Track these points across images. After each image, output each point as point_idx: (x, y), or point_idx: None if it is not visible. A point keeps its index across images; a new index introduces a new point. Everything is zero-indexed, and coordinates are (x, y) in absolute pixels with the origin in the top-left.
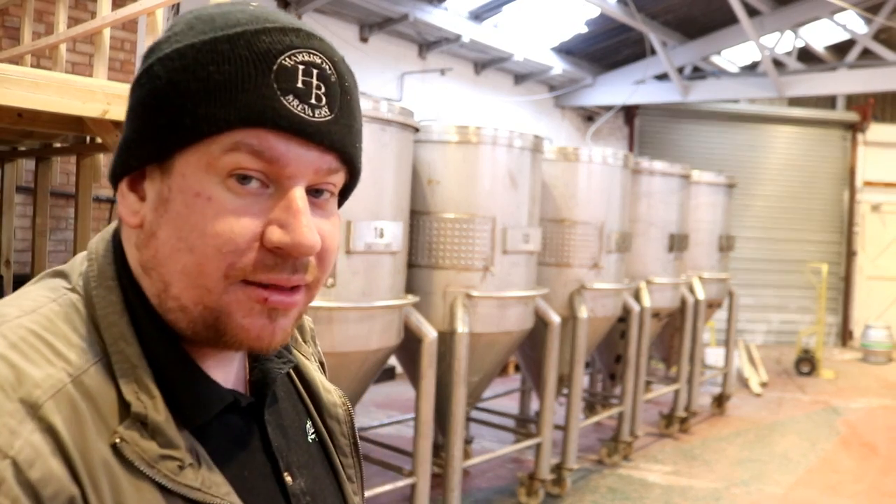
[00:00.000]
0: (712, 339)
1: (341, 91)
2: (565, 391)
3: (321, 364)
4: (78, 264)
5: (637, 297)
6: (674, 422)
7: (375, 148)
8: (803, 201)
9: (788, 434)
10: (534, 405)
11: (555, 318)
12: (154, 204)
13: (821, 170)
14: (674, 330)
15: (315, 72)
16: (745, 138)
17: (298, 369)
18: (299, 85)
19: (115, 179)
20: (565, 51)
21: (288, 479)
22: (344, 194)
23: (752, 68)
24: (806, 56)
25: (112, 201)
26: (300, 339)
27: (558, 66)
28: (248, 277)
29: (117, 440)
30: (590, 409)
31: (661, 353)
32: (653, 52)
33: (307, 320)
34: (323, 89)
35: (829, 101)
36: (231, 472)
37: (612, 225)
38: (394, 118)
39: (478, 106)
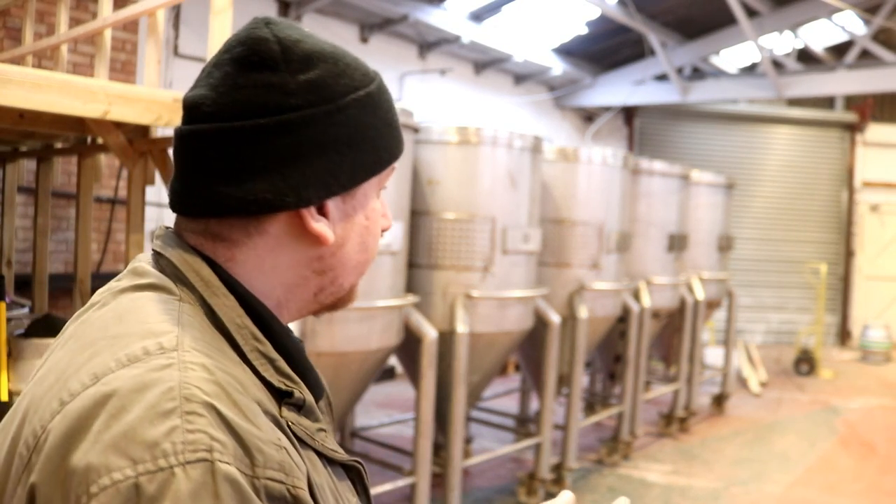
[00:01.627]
0: (711, 339)
1: None
2: (565, 391)
3: None
4: (158, 275)
5: (637, 297)
6: (673, 421)
7: None
8: (802, 201)
9: (787, 434)
10: (533, 405)
11: (554, 318)
12: (340, 220)
13: (819, 170)
14: (673, 330)
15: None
16: (744, 139)
17: None
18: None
19: (300, 205)
20: (565, 51)
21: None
22: None
23: (751, 69)
24: (805, 57)
25: (113, 201)
26: None
27: (558, 67)
28: None
29: (289, 423)
30: (589, 408)
31: (660, 352)
32: (652, 52)
33: None
34: None
35: (827, 102)
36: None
37: (612, 225)
38: None
39: (478, 106)
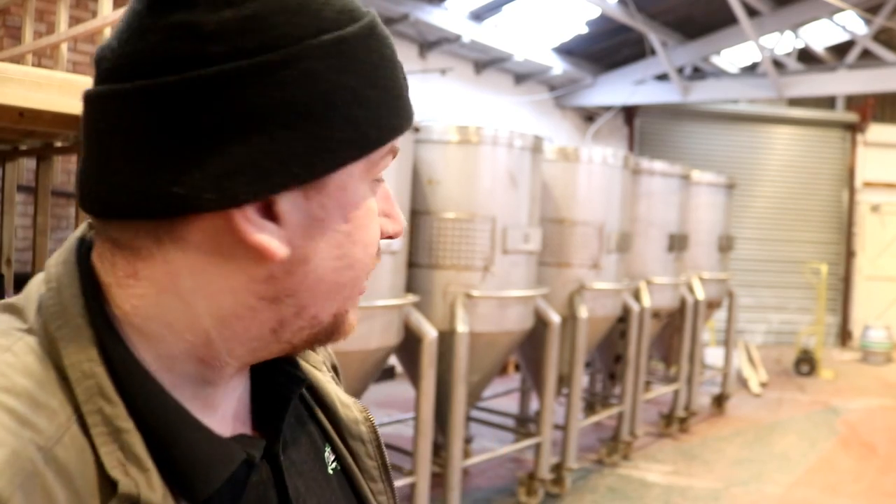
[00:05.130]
0: (712, 339)
1: None
2: (565, 391)
3: (334, 369)
4: (34, 295)
5: (637, 296)
6: (673, 421)
7: None
8: (803, 201)
9: (788, 434)
10: (533, 404)
11: (555, 318)
12: (302, 227)
13: (820, 170)
14: (673, 330)
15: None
16: (744, 139)
17: (309, 382)
18: (404, 73)
19: (224, 205)
20: (565, 51)
21: None
22: None
23: (751, 69)
24: (806, 57)
25: None
26: None
27: (558, 66)
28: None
29: None
30: (589, 408)
31: (660, 352)
32: (653, 52)
33: None
34: None
35: (828, 102)
36: None
37: (612, 225)
38: None
39: (478, 106)
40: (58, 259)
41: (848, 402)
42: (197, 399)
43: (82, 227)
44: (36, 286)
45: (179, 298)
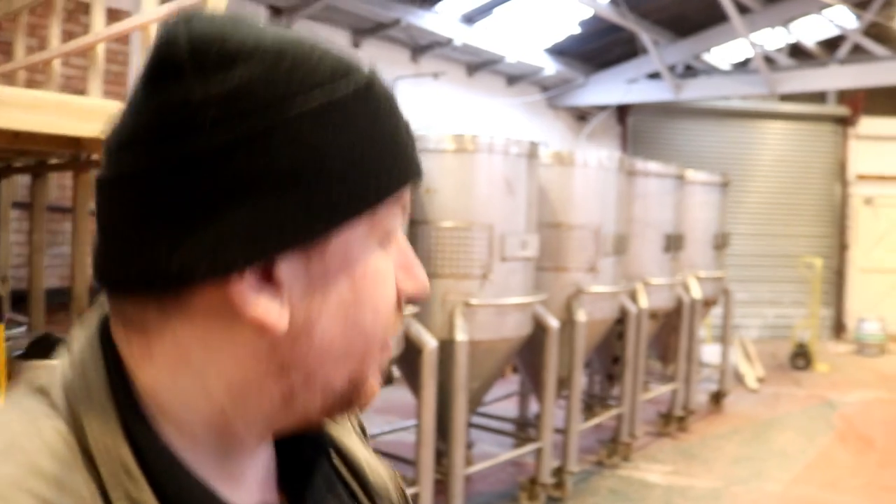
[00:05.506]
0: (708, 336)
1: None
2: (564, 393)
3: (361, 429)
4: (59, 374)
5: (634, 298)
6: (672, 421)
7: None
8: (796, 196)
9: (786, 430)
10: (533, 408)
11: (553, 323)
12: (302, 294)
13: (813, 164)
14: (670, 329)
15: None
16: (737, 135)
17: (336, 446)
18: (410, 127)
19: (219, 272)
20: (557, 51)
21: None
22: None
23: (743, 65)
24: (797, 52)
25: None
26: None
27: (550, 67)
28: (391, 336)
29: None
30: (588, 410)
31: (657, 352)
32: (644, 51)
33: None
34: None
35: (819, 97)
36: None
37: (609, 227)
38: None
39: (471, 108)
40: (80, 337)
41: (844, 396)
42: (222, 472)
43: (104, 303)
44: (65, 364)
45: (192, 374)
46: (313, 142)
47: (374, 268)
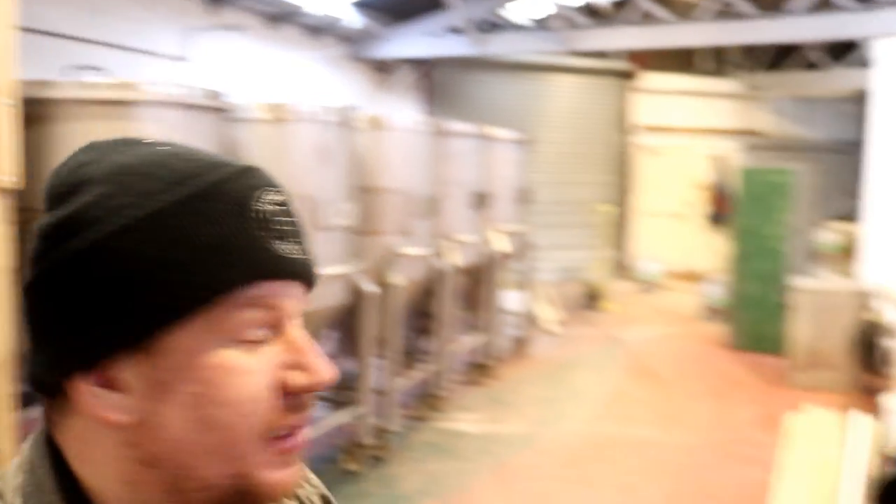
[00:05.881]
0: (510, 284)
1: (298, 222)
2: (381, 355)
3: (325, 500)
4: (11, 476)
5: (445, 257)
6: (481, 370)
7: (186, 135)
8: (586, 146)
9: (583, 369)
10: (347, 367)
11: (371, 289)
12: (146, 392)
13: (600, 116)
14: (477, 282)
15: (283, 209)
16: (531, 88)
17: None
18: (281, 227)
19: (59, 377)
20: (361, 3)
21: None
22: None
23: (542, 22)
24: (591, 12)
25: None
26: None
27: (353, 19)
28: (275, 432)
29: None
30: (404, 367)
31: (466, 304)
32: (447, 4)
33: None
34: (293, 225)
35: (606, 52)
36: None
37: (420, 190)
38: (200, 102)
39: (271, 62)
40: (29, 440)
41: (631, 333)
42: None
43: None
44: (15, 466)
45: (94, 465)
46: (133, 252)
47: (223, 365)
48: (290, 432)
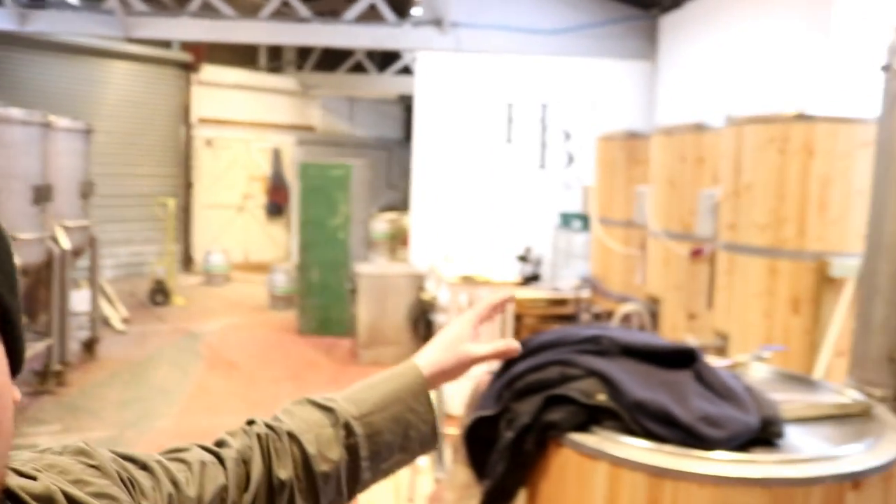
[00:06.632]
0: (76, 283)
1: None
2: None
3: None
4: None
5: None
6: (50, 377)
7: None
8: (145, 137)
9: (161, 366)
10: None
11: None
12: None
13: (160, 106)
14: (40, 282)
15: None
16: (83, 72)
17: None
18: None
19: None
20: None
21: None
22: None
23: (97, 3)
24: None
25: None
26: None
27: None
28: None
29: None
30: None
31: (28, 307)
32: None
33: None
34: None
35: (166, 41)
36: None
37: None
38: None
39: None
40: None
41: (203, 325)
42: None
43: None
44: None
45: None
46: None
47: None
48: None
